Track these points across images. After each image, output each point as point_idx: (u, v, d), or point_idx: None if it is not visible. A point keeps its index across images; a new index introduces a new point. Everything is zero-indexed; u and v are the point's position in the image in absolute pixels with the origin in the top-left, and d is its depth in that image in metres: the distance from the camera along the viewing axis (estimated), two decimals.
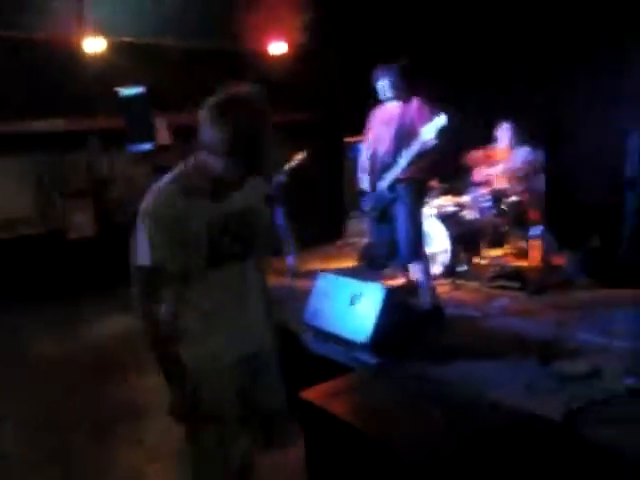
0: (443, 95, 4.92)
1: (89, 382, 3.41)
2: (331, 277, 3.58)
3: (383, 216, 3.76)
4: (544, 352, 3.05)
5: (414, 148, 3.44)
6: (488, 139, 5.12)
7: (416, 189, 3.69)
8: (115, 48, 5.68)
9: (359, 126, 3.97)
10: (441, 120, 3.25)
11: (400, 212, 3.64)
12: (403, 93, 3.58)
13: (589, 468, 2.01)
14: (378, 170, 3.72)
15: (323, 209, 7.02)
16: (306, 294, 3.73)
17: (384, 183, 3.66)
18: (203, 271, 1.63)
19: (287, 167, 5.13)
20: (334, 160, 7.23)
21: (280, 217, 5.31)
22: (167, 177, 1.62)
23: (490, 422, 2.40)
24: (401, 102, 3.60)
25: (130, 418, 2.91)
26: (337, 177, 7.29)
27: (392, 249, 3.76)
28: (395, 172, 3.60)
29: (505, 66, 5.32)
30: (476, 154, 5.02)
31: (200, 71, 6.20)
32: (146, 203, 1.57)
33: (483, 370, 2.95)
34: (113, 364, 3.61)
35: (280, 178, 5.12)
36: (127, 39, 5.83)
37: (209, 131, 1.50)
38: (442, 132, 3.26)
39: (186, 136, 5.43)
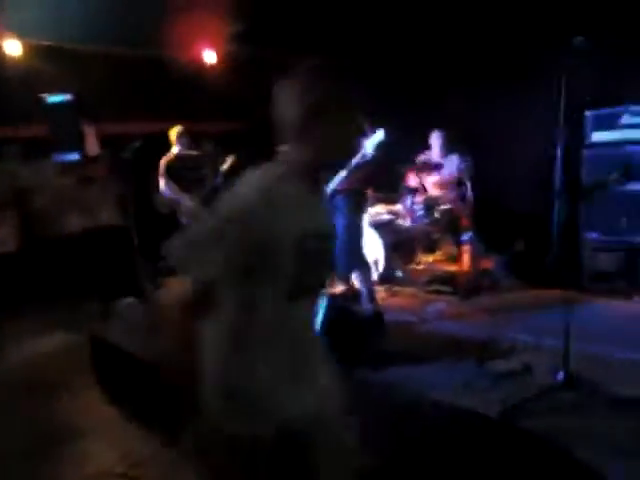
0: (377, 105, 5.06)
1: (21, 403, 3.22)
2: None
3: None
4: (479, 353, 3.20)
5: (352, 161, 3.52)
6: (421, 147, 5.32)
7: (354, 200, 3.78)
8: (37, 53, 5.44)
9: None
10: (379, 135, 3.38)
11: (339, 223, 3.69)
12: None
13: (526, 457, 2.14)
14: None
15: None
16: None
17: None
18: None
19: (221, 170, 5.06)
20: None
21: None
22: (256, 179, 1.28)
23: (432, 419, 2.50)
24: None
25: (66, 440, 2.77)
26: None
27: None
28: (332, 184, 3.66)
29: (437, 76, 5.56)
30: (410, 163, 5.20)
31: (129, 79, 6.07)
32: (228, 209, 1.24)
33: (422, 372, 3.05)
34: (45, 384, 3.43)
35: (217, 181, 5.06)
36: (49, 43, 5.59)
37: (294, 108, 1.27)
38: (380, 146, 3.38)
39: (115, 146, 5.35)
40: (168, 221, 6.49)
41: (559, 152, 2.65)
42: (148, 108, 6.23)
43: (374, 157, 3.50)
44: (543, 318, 3.61)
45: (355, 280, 3.83)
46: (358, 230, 3.82)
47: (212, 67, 6.75)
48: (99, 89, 5.63)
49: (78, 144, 5.02)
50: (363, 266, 3.86)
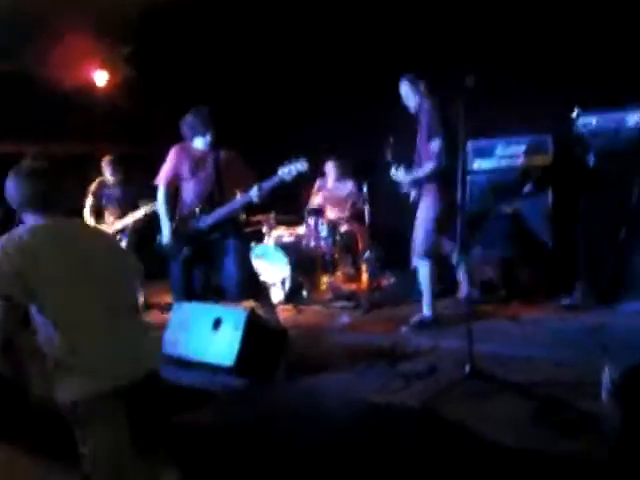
0: (265, 132, 5.26)
1: None
2: (188, 306, 3.56)
3: (198, 256, 3.80)
4: (388, 357, 3.43)
5: (264, 185, 3.60)
6: (316, 173, 5.61)
7: (243, 226, 4.04)
8: None
9: None
10: (303, 166, 3.48)
11: (233, 249, 3.73)
12: (212, 138, 3.74)
13: (448, 444, 2.36)
14: (192, 210, 3.78)
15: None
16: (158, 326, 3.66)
17: (206, 222, 3.73)
18: None
19: None
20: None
21: None
22: None
23: (356, 416, 2.64)
24: (209, 147, 3.77)
25: None
26: None
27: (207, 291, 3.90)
28: (223, 212, 3.70)
29: (326, 103, 5.92)
30: (312, 187, 5.47)
31: (9, 97, 5.72)
32: None
33: (337, 379, 3.17)
34: None
35: None
36: None
37: None
38: (299, 175, 3.52)
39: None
40: None
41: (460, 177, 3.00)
42: (32, 128, 5.91)
43: (287, 184, 3.60)
44: (442, 324, 3.95)
45: (255, 304, 3.86)
46: (249, 256, 3.95)
47: (103, 89, 6.57)
48: None
49: None
50: (261, 290, 3.97)
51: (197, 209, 3.76)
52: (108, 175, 5.23)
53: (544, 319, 3.99)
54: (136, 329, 2.03)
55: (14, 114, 5.64)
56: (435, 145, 3.70)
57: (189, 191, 3.80)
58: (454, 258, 3.99)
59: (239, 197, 3.74)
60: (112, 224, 5.10)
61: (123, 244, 5.12)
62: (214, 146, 3.78)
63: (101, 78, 6.50)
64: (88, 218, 5.21)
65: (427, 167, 3.80)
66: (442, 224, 3.83)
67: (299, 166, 3.48)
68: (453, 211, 3.31)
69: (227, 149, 3.86)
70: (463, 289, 3.96)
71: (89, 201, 5.23)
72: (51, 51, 5.80)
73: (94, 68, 6.49)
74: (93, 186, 5.26)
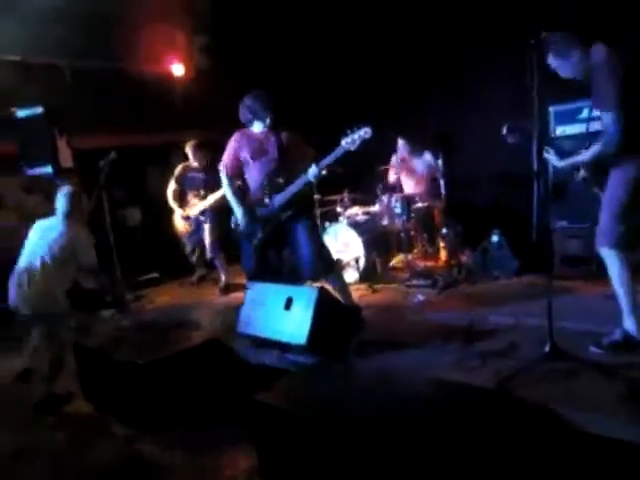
0: (338, 113, 5.21)
1: None
2: (261, 285, 3.63)
3: (271, 237, 3.79)
4: (465, 335, 3.33)
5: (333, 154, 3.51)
6: (389, 151, 5.50)
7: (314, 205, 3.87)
8: (2, 68, 5.37)
9: None
10: (367, 133, 3.34)
11: (304, 228, 3.70)
12: (272, 121, 3.73)
13: (525, 426, 2.24)
14: (260, 193, 3.79)
15: None
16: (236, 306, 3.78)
17: (275, 203, 3.72)
18: None
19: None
20: None
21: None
22: None
23: (431, 397, 2.57)
24: (268, 129, 3.76)
25: None
26: None
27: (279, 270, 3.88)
28: (290, 192, 3.66)
29: (403, 82, 5.78)
30: (383, 165, 5.37)
31: (97, 92, 6.05)
32: None
33: (411, 357, 3.13)
34: None
35: None
36: (15, 58, 5.54)
37: None
38: (364, 143, 3.37)
39: (86, 160, 5.32)
40: (139, 234, 6.50)
41: (535, 146, 2.79)
42: (118, 121, 6.22)
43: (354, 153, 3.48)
44: (522, 302, 3.78)
45: (327, 284, 3.84)
46: (320, 235, 3.89)
47: (181, 79, 6.79)
48: (67, 102, 5.61)
49: (51, 157, 4.98)
50: (336, 269, 3.95)
51: (265, 191, 3.78)
52: (192, 160, 5.39)
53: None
54: None
55: (101, 109, 5.98)
56: (607, 120, 2.70)
57: (254, 175, 3.82)
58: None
59: (301, 177, 3.65)
60: (194, 206, 5.29)
61: (206, 226, 5.31)
62: (274, 129, 3.77)
63: (179, 70, 6.71)
64: (172, 202, 5.42)
65: (593, 151, 2.82)
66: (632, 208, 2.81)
67: (362, 133, 3.35)
68: None
69: (287, 130, 3.84)
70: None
71: (172, 186, 5.44)
72: (132, 46, 6.08)
73: (173, 60, 6.71)
74: (177, 171, 5.45)
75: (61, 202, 3.56)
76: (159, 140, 6.58)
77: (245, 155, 3.81)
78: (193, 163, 5.40)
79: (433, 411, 2.37)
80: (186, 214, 5.37)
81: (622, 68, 2.66)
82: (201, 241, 5.41)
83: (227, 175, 3.90)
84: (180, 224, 5.46)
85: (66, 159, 5.14)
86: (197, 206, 5.26)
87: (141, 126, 6.47)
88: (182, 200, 5.43)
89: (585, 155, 2.89)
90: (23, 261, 3.45)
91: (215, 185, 5.08)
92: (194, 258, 5.67)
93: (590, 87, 2.85)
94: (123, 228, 6.01)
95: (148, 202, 6.49)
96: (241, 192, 3.92)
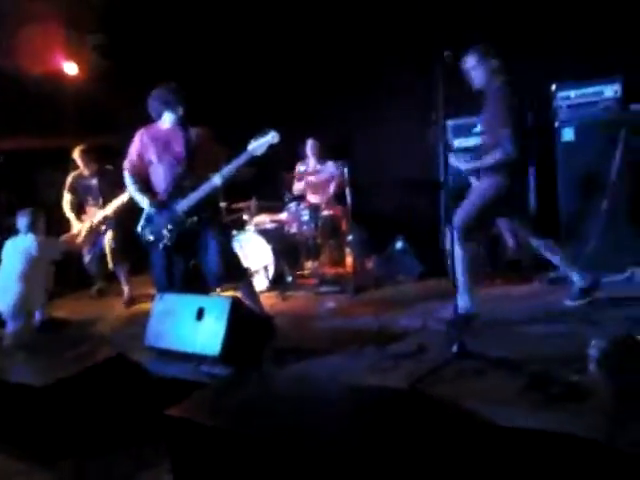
0: (242, 113, 5.18)
1: None
2: (171, 297, 3.49)
3: (178, 244, 3.62)
4: (376, 339, 3.41)
5: (237, 160, 3.46)
6: (296, 156, 5.54)
7: (221, 212, 3.87)
8: None
9: None
10: (274, 138, 3.33)
11: (212, 235, 3.59)
12: (184, 113, 3.61)
13: (438, 423, 2.34)
14: (164, 196, 3.64)
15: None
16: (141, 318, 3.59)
17: (180, 208, 3.56)
18: None
19: None
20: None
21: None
22: None
23: (345, 399, 2.61)
24: (179, 125, 3.62)
25: None
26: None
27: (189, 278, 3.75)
28: (196, 196, 3.52)
29: (311, 85, 5.82)
30: (290, 171, 5.39)
31: None
32: None
33: (326, 362, 3.14)
34: None
35: None
36: None
37: None
38: (270, 148, 3.37)
39: None
40: None
41: (441, 155, 2.96)
42: (3, 123, 5.74)
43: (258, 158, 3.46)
44: (425, 306, 3.94)
45: (240, 291, 3.78)
46: (230, 242, 3.83)
47: (73, 79, 6.39)
48: None
49: None
50: (246, 275, 3.90)
51: (170, 195, 3.60)
52: (82, 167, 5.10)
53: (531, 293, 4.00)
54: None
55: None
56: (506, 133, 3.28)
57: (159, 176, 3.63)
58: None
59: (207, 182, 3.53)
60: (93, 215, 4.98)
61: (108, 235, 5.02)
62: (183, 124, 3.61)
63: (71, 68, 6.31)
64: (69, 214, 5.08)
65: (496, 155, 3.35)
66: (492, 209, 3.50)
67: (269, 138, 3.33)
68: (508, 200, 3.35)
69: (198, 126, 3.68)
70: None
71: (66, 197, 5.11)
72: (16, 41, 5.63)
73: (63, 58, 6.30)
74: (68, 181, 5.15)
75: None
76: (51, 144, 6.13)
77: (150, 156, 3.62)
78: (84, 171, 5.11)
79: (349, 414, 2.41)
80: (88, 225, 5.01)
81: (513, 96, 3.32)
82: (101, 250, 5.11)
83: (130, 174, 3.70)
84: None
85: None
86: (97, 214, 4.95)
87: (31, 128, 6.01)
88: (79, 210, 5.10)
89: (486, 160, 3.41)
90: None
91: (110, 190, 4.85)
92: (93, 269, 5.34)
93: (486, 104, 3.44)
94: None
95: (40, 209, 6.02)
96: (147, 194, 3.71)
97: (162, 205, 3.63)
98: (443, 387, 2.58)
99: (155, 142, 3.62)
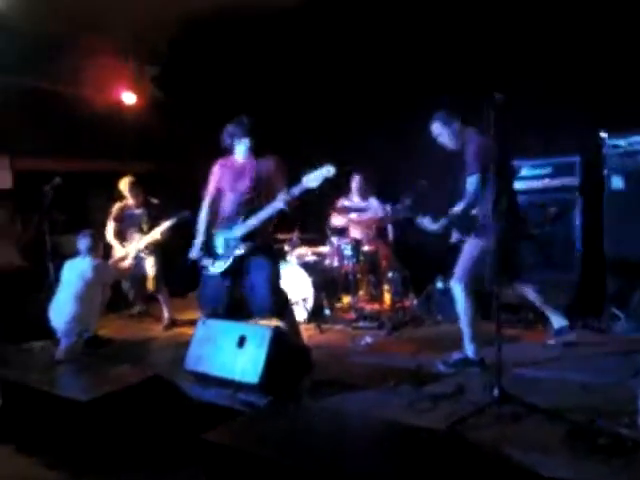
0: (294, 148, 5.32)
1: None
2: (213, 322, 3.56)
3: (228, 270, 3.72)
4: (414, 378, 3.38)
5: (292, 191, 3.52)
6: (342, 191, 5.62)
7: (273, 242, 3.99)
8: None
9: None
10: (330, 172, 3.36)
11: (263, 265, 3.67)
12: (253, 145, 3.77)
13: (476, 468, 2.30)
14: (227, 219, 3.77)
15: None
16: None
17: (239, 232, 3.67)
18: None
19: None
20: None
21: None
22: None
23: (382, 436, 2.59)
24: (251, 156, 3.80)
25: None
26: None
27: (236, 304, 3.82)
28: (255, 221, 3.62)
29: (358, 119, 5.90)
30: (334, 205, 5.47)
31: (46, 115, 5.88)
32: None
33: (362, 398, 3.14)
34: None
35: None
36: None
37: None
38: (325, 182, 3.39)
39: (30, 183, 5.11)
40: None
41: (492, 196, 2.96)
42: (62, 146, 6.05)
43: (313, 191, 3.49)
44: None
45: (282, 323, 3.80)
46: (278, 273, 3.88)
47: (131, 108, 6.71)
48: (11, 122, 5.42)
49: None
50: (289, 308, 3.93)
51: (227, 220, 3.75)
52: (128, 197, 5.27)
53: (573, 342, 3.90)
54: None
55: (41, 130, 5.79)
56: (471, 182, 3.40)
57: (227, 202, 3.80)
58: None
59: (269, 206, 3.60)
60: (137, 241, 5.14)
61: (150, 261, 5.17)
62: (253, 156, 3.79)
63: (129, 98, 6.65)
64: (112, 240, 5.23)
65: (459, 207, 3.49)
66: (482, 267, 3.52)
67: (325, 172, 3.38)
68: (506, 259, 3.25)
69: (268, 155, 3.80)
70: None
71: (110, 225, 5.26)
72: (81, 70, 5.98)
73: (123, 88, 6.64)
74: (114, 211, 5.29)
75: None
76: (105, 167, 6.43)
77: (223, 185, 3.83)
78: (129, 201, 5.28)
79: (385, 452, 2.39)
80: (134, 250, 5.15)
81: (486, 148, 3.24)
82: (141, 276, 5.25)
83: (207, 204, 3.89)
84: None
85: (4, 180, 4.93)
86: (142, 240, 5.10)
87: (86, 152, 6.32)
88: (122, 237, 5.27)
89: (453, 211, 3.54)
90: None
91: (156, 219, 5.02)
92: (133, 293, 5.49)
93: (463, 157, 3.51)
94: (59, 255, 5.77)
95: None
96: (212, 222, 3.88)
97: (220, 230, 3.78)
98: (482, 431, 2.54)
99: (228, 172, 3.82)
